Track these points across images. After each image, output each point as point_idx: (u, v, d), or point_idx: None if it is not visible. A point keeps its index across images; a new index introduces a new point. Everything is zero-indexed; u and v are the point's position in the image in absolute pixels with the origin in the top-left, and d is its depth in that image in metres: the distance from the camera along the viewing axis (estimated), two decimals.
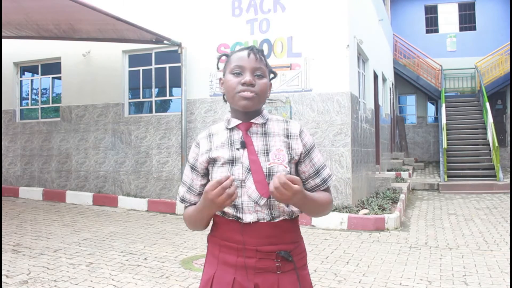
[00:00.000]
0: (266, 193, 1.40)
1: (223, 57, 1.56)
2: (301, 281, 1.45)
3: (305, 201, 1.36)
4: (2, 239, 5.38)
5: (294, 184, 1.28)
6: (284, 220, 1.44)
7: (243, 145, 1.45)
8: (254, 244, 1.40)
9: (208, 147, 1.50)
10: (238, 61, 1.46)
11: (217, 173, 1.45)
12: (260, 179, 1.40)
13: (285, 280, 1.42)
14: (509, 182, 10.27)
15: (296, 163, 1.51)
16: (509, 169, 13.65)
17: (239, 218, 1.42)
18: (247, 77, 1.43)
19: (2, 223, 6.26)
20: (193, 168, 1.53)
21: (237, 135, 1.48)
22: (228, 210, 1.43)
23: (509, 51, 14.75)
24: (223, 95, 1.53)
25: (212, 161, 1.48)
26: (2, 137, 9.88)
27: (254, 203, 1.41)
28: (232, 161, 1.44)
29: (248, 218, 1.41)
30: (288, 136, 1.50)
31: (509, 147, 15.45)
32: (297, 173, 1.52)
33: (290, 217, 1.46)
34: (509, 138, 15.66)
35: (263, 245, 1.41)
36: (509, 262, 4.51)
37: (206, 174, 1.52)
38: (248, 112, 1.48)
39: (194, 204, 1.54)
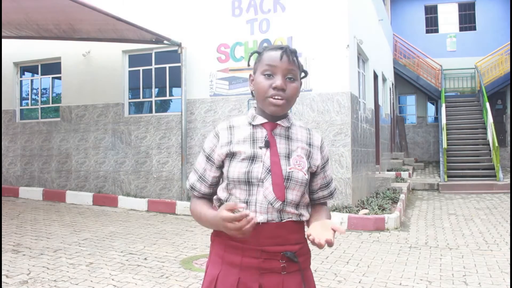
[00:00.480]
0: (282, 196, 1.40)
1: (255, 54, 1.51)
2: (306, 282, 1.45)
3: None
4: (2, 239, 5.38)
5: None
6: (291, 221, 1.44)
7: (267, 144, 1.44)
8: (261, 244, 1.40)
9: (228, 140, 1.47)
10: (270, 62, 1.42)
11: (236, 168, 1.42)
12: (278, 182, 1.40)
13: (290, 281, 1.42)
14: (509, 182, 10.27)
15: (311, 173, 1.51)
16: (509, 169, 13.65)
17: None
18: (278, 81, 1.40)
19: (2, 223, 6.26)
20: (208, 158, 1.50)
21: (261, 133, 1.47)
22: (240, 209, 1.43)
23: (509, 51, 14.75)
24: (252, 92, 1.50)
25: (231, 155, 1.45)
26: (2, 137, 9.88)
27: (268, 204, 1.40)
28: (252, 158, 1.42)
29: (259, 218, 1.40)
30: (310, 145, 1.51)
31: (509, 147, 15.45)
32: (309, 182, 1.52)
33: (298, 219, 1.46)
34: (509, 138, 15.65)
35: (269, 246, 1.40)
36: (509, 262, 4.51)
37: (220, 167, 1.49)
38: None
39: (204, 194, 1.52)
